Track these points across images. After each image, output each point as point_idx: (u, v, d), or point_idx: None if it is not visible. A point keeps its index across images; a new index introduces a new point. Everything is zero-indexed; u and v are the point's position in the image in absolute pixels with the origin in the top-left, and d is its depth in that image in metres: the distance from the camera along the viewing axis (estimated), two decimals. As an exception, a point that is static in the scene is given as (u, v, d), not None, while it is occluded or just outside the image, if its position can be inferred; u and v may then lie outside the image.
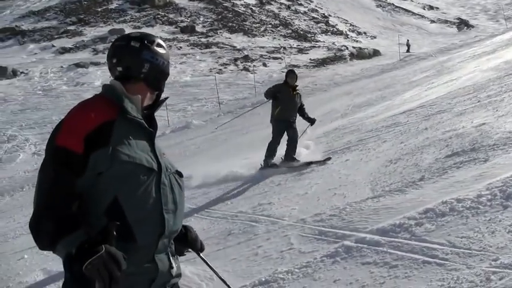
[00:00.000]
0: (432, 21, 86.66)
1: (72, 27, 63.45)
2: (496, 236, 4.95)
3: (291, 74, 12.27)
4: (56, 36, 59.87)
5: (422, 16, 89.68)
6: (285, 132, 12.13)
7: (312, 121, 12.78)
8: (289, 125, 12.04)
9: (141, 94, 2.78)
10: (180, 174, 2.90)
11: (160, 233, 2.64)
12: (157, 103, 2.92)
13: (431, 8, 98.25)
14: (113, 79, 2.79)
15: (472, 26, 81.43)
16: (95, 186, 2.48)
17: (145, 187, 2.57)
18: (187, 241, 3.11)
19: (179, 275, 2.88)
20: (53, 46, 56.14)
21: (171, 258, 2.78)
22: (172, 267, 2.77)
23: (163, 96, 2.97)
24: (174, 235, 2.81)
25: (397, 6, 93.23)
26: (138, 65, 2.75)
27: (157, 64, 2.81)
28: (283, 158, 12.19)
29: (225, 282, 3.46)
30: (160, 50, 2.84)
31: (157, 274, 2.66)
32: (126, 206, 2.50)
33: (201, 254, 3.24)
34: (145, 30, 62.46)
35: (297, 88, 12.29)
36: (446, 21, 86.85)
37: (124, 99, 2.66)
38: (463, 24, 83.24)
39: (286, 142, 12.17)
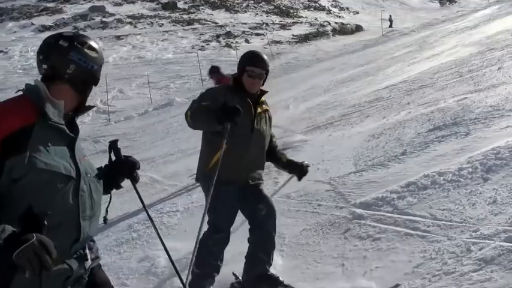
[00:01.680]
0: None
1: (51, 5, 62.70)
2: (476, 208, 5.03)
3: (254, 66, 4.79)
4: (35, 14, 59.17)
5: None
6: (240, 210, 5.02)
7: (298, 170, 5.26)
8: (250, 191, 4.94)
9: (65, 96, 2.66)
10: (100, 177, 2.84)
11: (75, 239, 2.61)
12: (82, 108, 2.83)
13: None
14: (38, 79, 2.69)
15: (455, 1, 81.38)
16: (8, 193, 2.40)
17: (62, 195, 2.52)
18: (129, 172, 3.08)
19: (96, 259, 2.87)
20: (33, 24, 55.51)
21: (87, 251, 2.75)
22: (86, 260, 2.74)
23: (92, 104, 2.92)
24: (90, 238, 2.78)
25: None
26: (63, 65, 2.64)
27: (85, 67, 2.69)
28: (239, 277, 5.26)
29: (162, 241, 3.62)
30: (91, 53, 2.72)
31: (72, 272, 2.64)
32: (41, 213, 2.37)
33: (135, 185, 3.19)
34: (126, 7, 62.06)
35: (264, 100, 5.05)
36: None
37: (46, 103, 2.55)
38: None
39: (248, 234, 5.08)
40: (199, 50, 45.92)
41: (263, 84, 4.97)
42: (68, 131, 2.63)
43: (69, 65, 2.64)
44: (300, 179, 5.32)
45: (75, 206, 2.57)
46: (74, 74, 2.65)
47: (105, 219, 3.04)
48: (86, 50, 2.70)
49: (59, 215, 2.48)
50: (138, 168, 3.11)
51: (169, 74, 38.24)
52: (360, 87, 16.86)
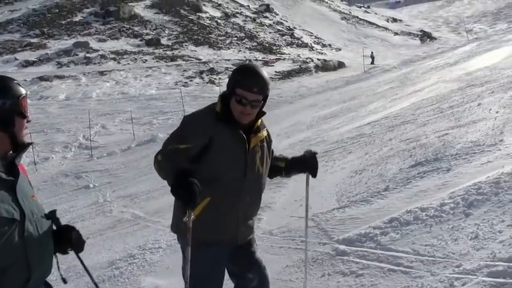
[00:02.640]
0: (396, 34, 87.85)
1: (35, 40, 62.80)
2: (458, 244, 5.04)
3: (247, 90, 3.51)
4: (19, 49, 59.16)
5: (386, 28, 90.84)
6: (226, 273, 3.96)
7: (307, 165, 4.22)
8: (239, 251, 3.84)
9: None
10: (49, 217, 2.82)
11: (26, 279, 2.59)
12: (19, 147, 2.76)
13: (394, 20, 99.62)
14: None
15: (435, 38, 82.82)
16: None
17: (7, 238, 2.50)
18: (70, 241, 3.02)
19: None
20: (16, 59, 55.44)
21: None
22: None
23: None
24: (44, 279, 2.77)
25: (361, 19, 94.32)
26: None
27: None
28: None
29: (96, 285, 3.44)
30: (3, 90, 2.66)
31: None
32: None
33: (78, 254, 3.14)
34: (110, 43, 62.34)
35: (261, 126, 3.82)
36: (409, 34, 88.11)
37: None
38: (426, 36, 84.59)
39: None
40: (183, 86, 46.10)
41: (261, 109, 3.70)
42: (4, 176, 2.58)
43: None
44: (315, 174, 4.25)
45: (22, 247, 2.55)
46: None
47: (63, 279, 3.03)
48: None
49: (5, 257, 2.48)
50: (79, 239, 3.06)
51: (152, 110, 38.24)
52: (343, 124, 16.98)
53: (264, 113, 3.74)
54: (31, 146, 2.90)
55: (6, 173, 2.60)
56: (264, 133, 3.82)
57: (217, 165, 3.50)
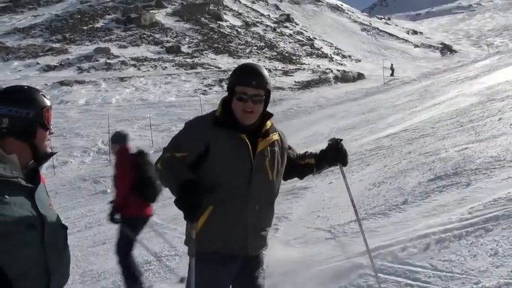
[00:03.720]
0: (416, 46, 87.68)
1: (57, 45, 63.45)
2: (477, 260, 4.99)
3: (245, 86, 3.40)
4: (40, 54, 59.78)
5: (407, 40, 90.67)
6: None
7: (336, 157, 3.88)
8: (244, 268, 3.58)
9: (15, 149, 2.59)
10: (64, 227, 2.79)
11: (46, 286, 2.57)
12: (41, 156, 2.72)
13: (415, 32, 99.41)
14: None
15: (455, 51, 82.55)
16: None
17: (26, 245, 2.48)
18: None
19: None
20: (38, 63, 56.05)
21: None
22: None
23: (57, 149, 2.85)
24: (63, 286, 2.73)
25: (381, 31, 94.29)
26: None
27: (18, 116, 2.59)
28: None
29: None
30: (24, 101, 2.64)
31: None
32: (7, 265, 2.38)
33: None
34: (131, 49, 62.71)
35: (270, 129, 3.60)
36: (430, 46, 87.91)
37: None
38: (446, 49, 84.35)
39: None
40: (202, 94, 46.24)
41: (265, 109, 3.54)
42: (23, 183, 2.56)
43: (1, 120, 2.57)
44: (345, 163, 3.94)
45: (41, 253, 2.54)
46: (10, 126, 2.58)
47: None
48: (16, 100, 2.62)
49: (25, 266, 2.45)
50: None
51: (171, 117, 38.36)
52: (361, 135, 16.92)
53: (271, 115, 3.58)
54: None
55: (27, 181, 2.59)
56: (275, 137, 3.60)
57: (217, 171, 3.36)
